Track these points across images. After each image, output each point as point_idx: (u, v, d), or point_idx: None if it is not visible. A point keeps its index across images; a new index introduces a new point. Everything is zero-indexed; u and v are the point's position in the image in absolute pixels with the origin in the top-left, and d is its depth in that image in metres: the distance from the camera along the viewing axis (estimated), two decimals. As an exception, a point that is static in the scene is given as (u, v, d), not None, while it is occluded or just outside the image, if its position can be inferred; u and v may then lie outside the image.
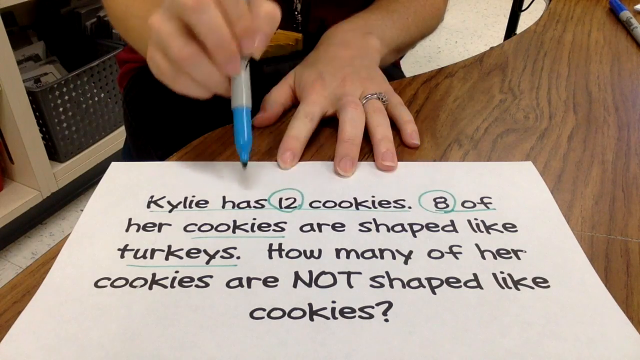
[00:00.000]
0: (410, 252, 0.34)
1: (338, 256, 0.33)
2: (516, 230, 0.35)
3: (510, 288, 0.31)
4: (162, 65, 0.37)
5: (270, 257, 0.33)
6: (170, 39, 0.35)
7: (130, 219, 0.36)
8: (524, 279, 0.32)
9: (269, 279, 0.31)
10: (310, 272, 0.32)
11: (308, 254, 0.33)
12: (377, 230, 0.35)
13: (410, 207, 0.37)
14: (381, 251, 0.34)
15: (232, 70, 0.36)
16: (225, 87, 0.37)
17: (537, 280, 0.32)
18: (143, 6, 0.51)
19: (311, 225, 0.36)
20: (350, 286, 0.31)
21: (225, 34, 0.34)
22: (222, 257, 0.33)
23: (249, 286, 0.31)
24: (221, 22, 0.34)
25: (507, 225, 0.36)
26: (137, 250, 0.34)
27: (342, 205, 0.38)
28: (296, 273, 0.32)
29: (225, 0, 0.34)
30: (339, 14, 0.55)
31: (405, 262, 0.33)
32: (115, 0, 0.54)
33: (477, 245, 0.34)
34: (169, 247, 0.34)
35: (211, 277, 0.32)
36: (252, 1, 0.35)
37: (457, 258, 0.33)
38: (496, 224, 0.36)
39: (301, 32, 0.61)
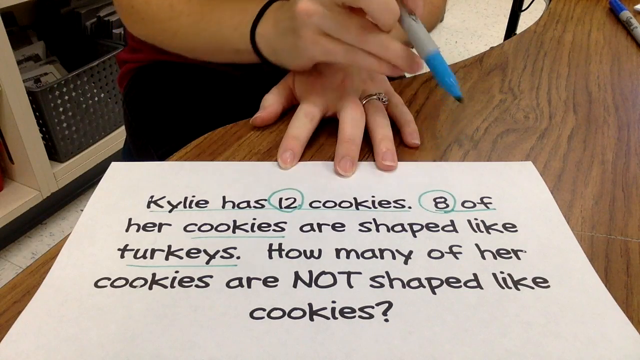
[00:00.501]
0: (410, 252, 0.34)
1: (338, 256, 0.33)
2: (516, 230, 0.35)
3: (510, 288, 0.31)
4: (334, 48, 0.40)
5: (270, 257, 0.33)
6: (344, 22, 0.39)
7: (130, 219, 0.36)
8: (524, 279, 0.32)
9: (269, 279, 0.31)
10: (310, 272, 0.32)
11: (308, 254, 0.33)
12: (377, 230, 0.35)
13: (410, 207, 0.37)
14: (381, 251, 0.34)
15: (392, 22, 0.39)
16: (403, 56, 0.40)
17: (537, 280, 0.32)
18: (190, 4, 0.52)
19: (311, 225, 0.36)
20: (350, 286, 0.31)
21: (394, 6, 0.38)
22: (222, 257, 0.33)
23: (249, 286, 0.31)
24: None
25: (507, 225, 0.36)
26: (137, 250, 0.34)
27: (342, 205, 0.38)
28: (296, 273, 0.32)
29: None
30: None
31: (405, 262, 0.33)
32: (153, 2, 0.54)
33: (477, 245, 0.34)
34: (169, 247, 0.34)
35: (211, 277, 0.32)
36: None
37: (457, 258, 0.33)
38: (496, 224, 0.36)
39: None
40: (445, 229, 0.36)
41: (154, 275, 0.32)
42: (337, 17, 0.39)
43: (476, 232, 0.35)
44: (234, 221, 0.36)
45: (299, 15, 0.40)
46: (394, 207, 0.38)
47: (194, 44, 0.54)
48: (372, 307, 0.30)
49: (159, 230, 0.35)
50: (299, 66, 0.46)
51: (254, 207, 0.37)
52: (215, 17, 0.51)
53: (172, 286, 0.31)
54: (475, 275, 0.32)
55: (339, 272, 0.32)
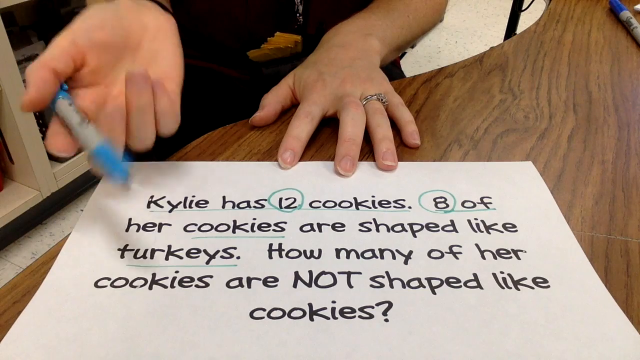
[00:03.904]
0: (410, 252, 0.34)
1: (338, 256, 0.33)
2: (516, 230, 0.35)
3: (510, 288, 0.31)
4: None
5: (270, 257, 0.33)
6: None
7: (130, 219, 0.36)
8: (524, 279, 0.32)
9: (269, 279, 0.31)
10: (310, 272, 0.32)
11: (308, 254, 0.33)
12: (377, 230, 0.35)
13: (410, 207, 0.37)
14: (381, 251, 0.34)
15: None
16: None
17: (537, 280, 0.32)
18: None
19: (311, 225, 0.36)
20: (350, 286, 0.31)
21: None
22: (222, 257, 0.33)
23: (249, 286, 0.31)
24: None
25: (507, 225, 0.36)
26: (137, 250, 0.34)
27: (342, 205, 0.38)
28: (296, 273, 0.32)
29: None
30: (338, 16, 0.55)
31: (405, 262, 0.33)
32: None
33: (477, 245, 0.34)
34: (169, 247, 0.34)
35: (211, 277, 0.32)
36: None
37: (457, 258, 0.33)
38: (496, 224, 0.36)
39: (301, 34, 0.61)
40: (445, 229, 0.36)
41: (154, 275, 0.32)
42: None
43: (476, 232, 0.35)
44: (234, 221, 0.36)
45: None
46: (394, 207, 0.38)
47: None
48: (372, 307, 0.30)
49: (159, 230, 0.35)
50: None
51: (254, 207, 0.37)
52: None
53: (172, 286, 0.31)
54: (475, 275, 0.32)
55: (339, 272, 0.32)
